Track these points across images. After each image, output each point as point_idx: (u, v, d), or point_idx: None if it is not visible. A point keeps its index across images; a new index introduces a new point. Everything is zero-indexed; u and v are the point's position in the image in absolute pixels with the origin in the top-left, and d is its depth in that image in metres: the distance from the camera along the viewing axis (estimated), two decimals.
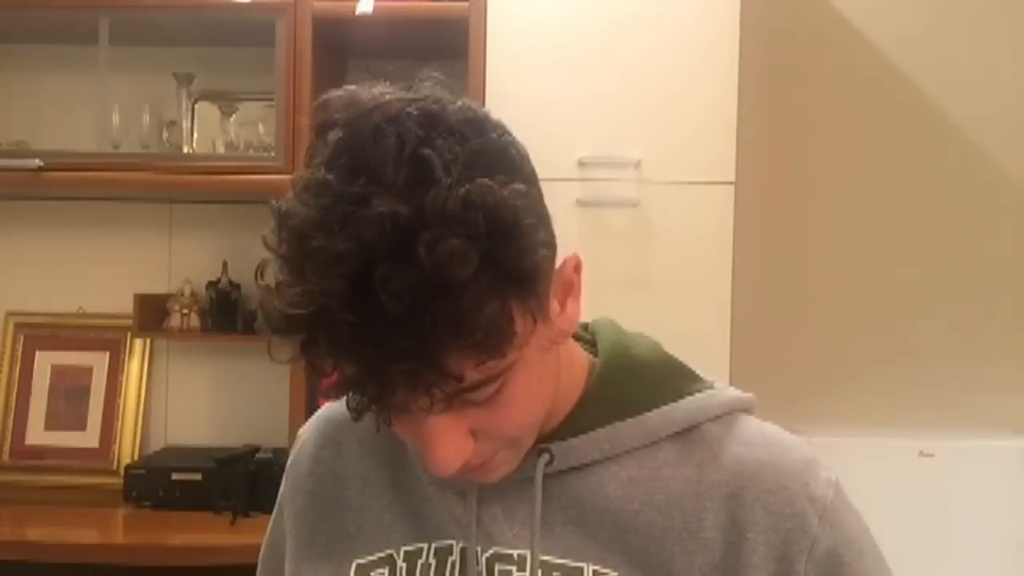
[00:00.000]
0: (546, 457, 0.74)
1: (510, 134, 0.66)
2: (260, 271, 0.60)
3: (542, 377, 0.68)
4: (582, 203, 2.02)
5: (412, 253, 0.56)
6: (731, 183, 2.05)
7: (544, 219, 0.65)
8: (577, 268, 0.71)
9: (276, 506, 0.88)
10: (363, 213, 0.57)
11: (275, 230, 0.60)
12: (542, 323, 0.65)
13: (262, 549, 0.90)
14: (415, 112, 0.61)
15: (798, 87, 2.53)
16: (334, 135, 0.61)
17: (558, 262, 0.68)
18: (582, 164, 2.04)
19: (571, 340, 0.79)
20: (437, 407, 0.62)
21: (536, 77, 2.07)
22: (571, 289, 0.71)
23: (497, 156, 0.62)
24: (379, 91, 0.63)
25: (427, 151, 0.59)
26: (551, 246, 0.65)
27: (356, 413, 0.64)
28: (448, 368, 0.59)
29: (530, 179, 0.65)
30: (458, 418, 0.65)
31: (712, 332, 2.03)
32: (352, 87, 0.64)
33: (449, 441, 0.65)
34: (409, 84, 0.65)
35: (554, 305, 0.68)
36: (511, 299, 0.60)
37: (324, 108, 0.63)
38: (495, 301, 0.58)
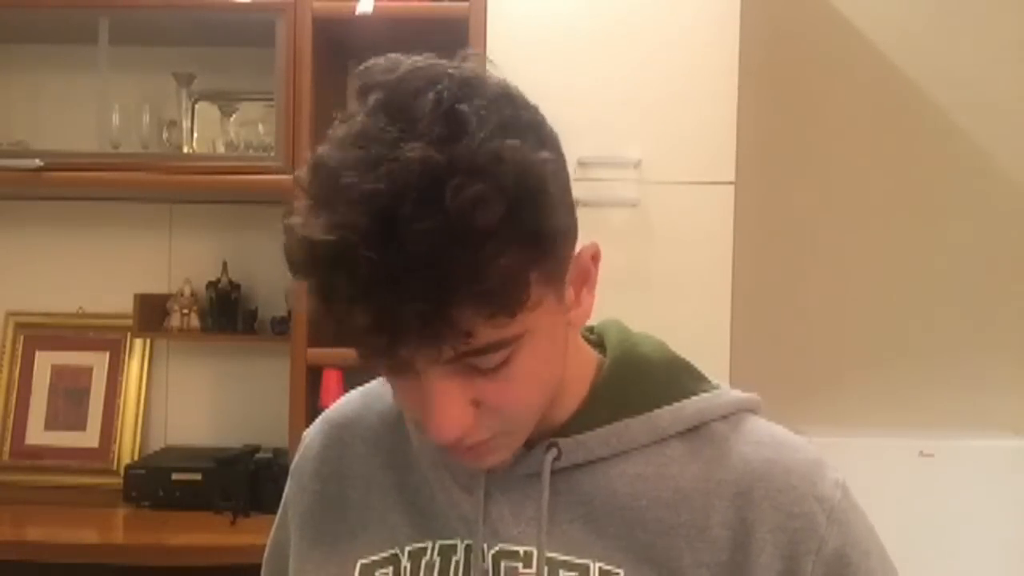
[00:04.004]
0: (554, 452, 0.74)
1: (544, 118, 0.68)
2: (287, 213, 0.62)
3: (548, 361, 0.68)
4: (582, 203, 1.98)
5: (439, 197, 0.57)
6: (731, 183, 2.05)
7: (569, 196, 0.67)
8: (595, 258, 0.72)
9: (280, 506, 0.88)
10: (395, 156, 0.58)
11: (308, 172, 0.62)
12: (555, 297, 0.66)
13: (266, 549, 0.91)
14: (456, 75, 0.63)
15: (798, 87, 2.53)
16: (374, 96, 0.63)
17: (577, 249, 0.70)
18: (582, 164, 2.04)
19: (580, 339, 0.79)
20: (443, 363, 0.63)
21: (536, 77, 2.05)
22: (587, 279, 0.72)
23: (530, 127, 0.64)
24: (422, 59, 0.65)
25: (463, 107, 0.61)
26: (573, 225, 0.68)
27: (363, 360, 0.64)
28: (459, 319, 0.59)
29: (559, 157, 0.67)
30: (463, 386, 0.65)
31: (712, 332, 2.03)
32: (395, 55, 0.65)
33: (452, 407, 0.65)
34: (452, 56, 0.67)
35: (569, 292, 0.69)
36: (529, 258, 0.61)
37: (367, 73, 0.65)
38: (513, 255, 0.59)
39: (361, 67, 0.65)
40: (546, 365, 0.68)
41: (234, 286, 2.42)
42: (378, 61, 0.65)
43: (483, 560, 0.73)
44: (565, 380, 0.74)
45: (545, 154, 0.63)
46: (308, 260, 0.61)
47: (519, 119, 0.64)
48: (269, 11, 2.19)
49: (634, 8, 2.07)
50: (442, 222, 0.57)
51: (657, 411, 0.75)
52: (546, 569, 0.72)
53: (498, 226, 0.58)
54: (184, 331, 2.42)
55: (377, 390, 0.86)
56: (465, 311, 0.59)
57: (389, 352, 0.62)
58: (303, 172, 0.63)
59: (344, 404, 0.88)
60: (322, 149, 0.62)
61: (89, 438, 2.45)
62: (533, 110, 0.67)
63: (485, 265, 0.58)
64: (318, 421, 0.88)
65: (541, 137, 0.65)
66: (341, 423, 0.85)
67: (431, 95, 0.61)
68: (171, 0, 2.25)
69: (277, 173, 2.15)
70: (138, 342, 2.49)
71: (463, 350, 0.62)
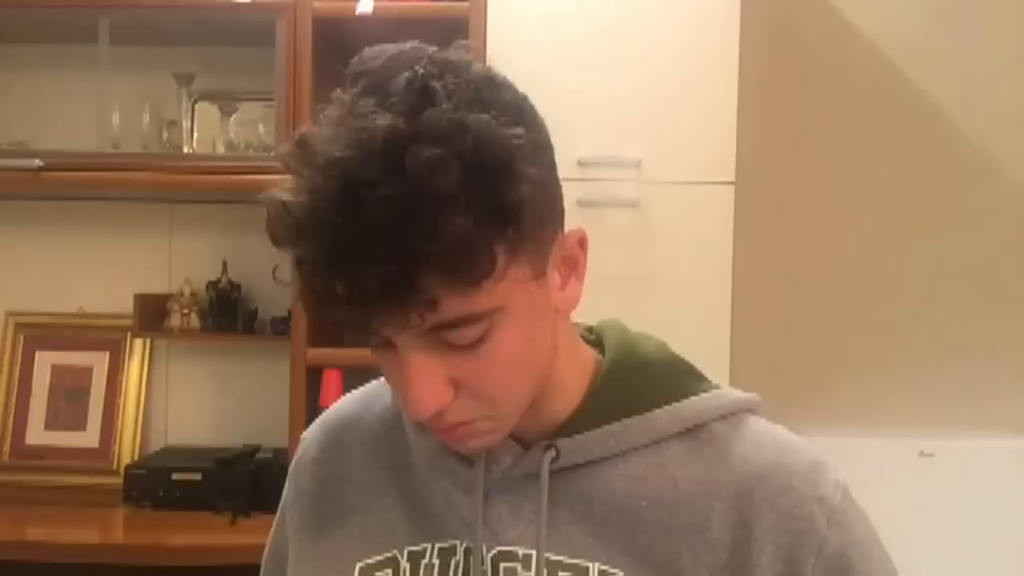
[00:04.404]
0: (552, 453, 0.74)
1: (532, 106, 0.69)
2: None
3: (531, 342, 0.68)
4: (582, 203, 2.02)
5: (400, 163, 0.59)
6: (731, 183, 2.05)
7: (548, 178, 0.68)
8: (582, 243, 0.72)
9: (279, 509, 0.88)
10: (364, 125, 0.61)
11: (290, 147, 0.65)
12: (532, 275, 0.66)
13: (265, 552, 0.90)
14: (436, 58, 0.65)
15: (798, 87, 2.53)
16: (361, 81, 0.65)
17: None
18: (582, 164, 2.04)
19: (577, 337, 0.79)
20: (416, 335, 0.64)
21: (536, 77, 2.05)
22: (575, 266, 0.72)
23: (509, 107, 0.65)
24: (408, 46, 0.67)
25: (435, 83, 0.63)
26: (551, 206, 0.68)
27: (351, 330, 0.66)
28: (422, 285, 0.60)
29: (538, 139, 0.67)
30: (440, 363, 0.65)
31: (712, 332, 2.03)
32: (387, 44, 0.67)
33: (427, 383, 0.65)
34: (444, 47, 0.69)
35: (554, 277, 0.70)
36: (489, 227, 0.61)
37: (357, 62, 0.67)
38: (472, 220, 0.60)
39: (354, 58, 0.67)
40: (528, 347, 0.68)
41: (234, 286, 2.42)
42: (369, 50, 0.67)
43: (482, 562, 0.73)
44: (563, 378, 0.74)
45: (517, 130, 0.63)
46: (281, 225, 0.63)
47: (497, 99, 0.65)
48: (269, 11, 2.19)
49: (634, 8, 2.07)
50: (402, 187, 0.59)
51: (655, 411, 0.75)
52: (545, 571, 0.72)
53: (455, 190, 0.59)
54: (184, 331, 2.42)
55: (375, 391, 0.87)
56: (427, 276, 0.60)
57: (362, 321, 0.63)
58: (285, 148, 0.65)
59: (342, 406, 0.88)
60: (306, 128, 0.65)
61: (89, 438, 2.44)
62: (520, 97, 0.68)
63: (442, 227, 0.59)
64: (316, 423, 0.88)
65: (519, 118, 0.66)
66: (339, 425, 0.85)
67: (407, 73, 0.63)
68: (171, 0, 2.25)
69: (277, 173, 2.14)
70: (138, 342, 2.48)
71: (433, 322, 0.63)
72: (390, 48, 0.66)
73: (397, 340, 0.65)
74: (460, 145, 0.60)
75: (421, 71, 0.63)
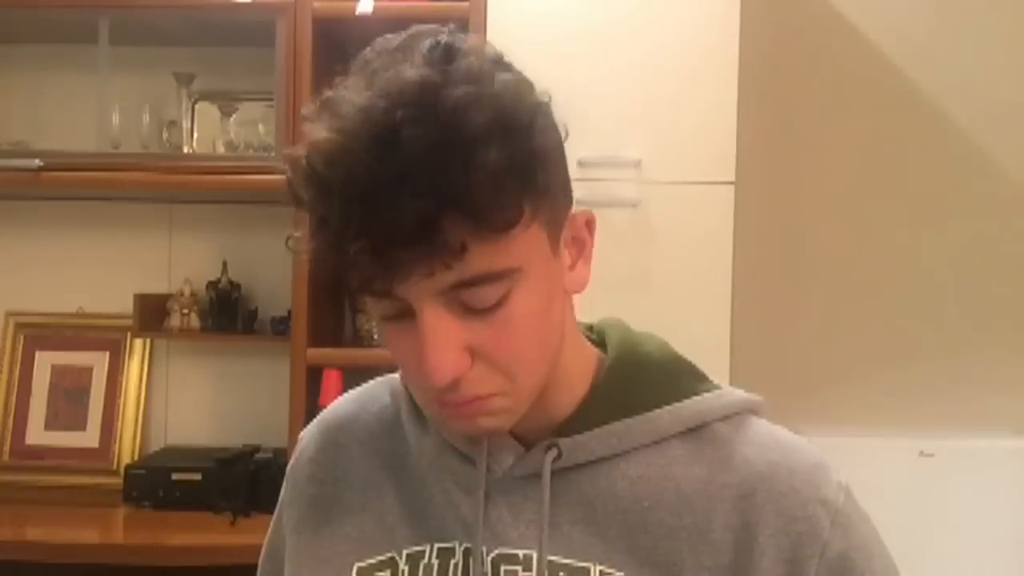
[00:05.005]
0: (554, 452, 0.73)
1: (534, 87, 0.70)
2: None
3: (546, 313, 0.69)
4: (582, 203, 2.01)
5: (434, 105, 0.61)
6: (731, 183, 2.05)
7: (561, 146, 0.70)
8: (589, 224, 0.73)
9: (276, 509, 0.88)
10: (394, 75, 0.62)
11: (316, 106, 0.66)
12: (549, 239, 0.67)
13: (262, 552, 0.90)
14: (453, 31, 0.67)
15: (798, 87, 2.53)
16: (382, 57, 0.66)
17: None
18: (582, 164, 2.03)
19: (580, 334, 0.79)
20: (433, 291, 0.64)
21: (536, 77, 2.05)
22: (583, 247, 0.73)
23: (522, 79, 0.68)
24: (427, 27, 0.69)
25: (459, 43, 0.65)
26: (565, 169, 0.71)
27: (358, 286, 0.65)
28: (449, 229, 0.60)
29: (550, 110, 0.69)
30: (459, 327, 0.65)
31: (712, 332, 2.03)
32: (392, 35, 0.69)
33: (447, 347, 0.65)
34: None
35: (565, 255, 0.71)
36: (519, 171, 0.62)
37: (373, 47, 0.68)
38: (502, 163, 0.61)
39: (366, 49, 0.69)
40: (543, 318, 0.68)
41: (234, 286, 2.42)
42: (382, 38, 0.69)
43: (482, 563, 0.72)
44: (567, 372, 0.74)
45: (537, 93, 0.66)
46: (306, 177, 0.63)
47: (512, 72, 0.67)
48: (269, 11, 2.19)
49: (634, 8, 2.07)
50: (436, 129, 0.60)
51: (657, 411, 0.75)
52: (547, 573, 0.71)
53: (489, 128, 0.61)
54: (184, 331, 2.42)
55: (373, 391, 0.86)
56: (456, 221, 0.60)
57: (384, 276, 0.62)
58: (309, 108, 0.66)
59: (340, 405, 0.87)
60: (329, 92, 0.66)
61: (89, 438, 2.44)
62: (527, 79, 0.70)
63: (476, 165, 0.60)
64: (314, 423, 0.88)
65: (531, 90, 0.68)
66: (336, 425, 0.85)
67: (429, 40, 0.65)
68: (171, 0, 2.25)
69: (277, 173, 2.14)
70: (138, 342, 2.48)
71: (457, 276, 0.62)
72: (402, 35, 0.68)
73: (415, 301, 0.64)
74: (491, 89, 0.62)
75: (443, 39, 0.65)
